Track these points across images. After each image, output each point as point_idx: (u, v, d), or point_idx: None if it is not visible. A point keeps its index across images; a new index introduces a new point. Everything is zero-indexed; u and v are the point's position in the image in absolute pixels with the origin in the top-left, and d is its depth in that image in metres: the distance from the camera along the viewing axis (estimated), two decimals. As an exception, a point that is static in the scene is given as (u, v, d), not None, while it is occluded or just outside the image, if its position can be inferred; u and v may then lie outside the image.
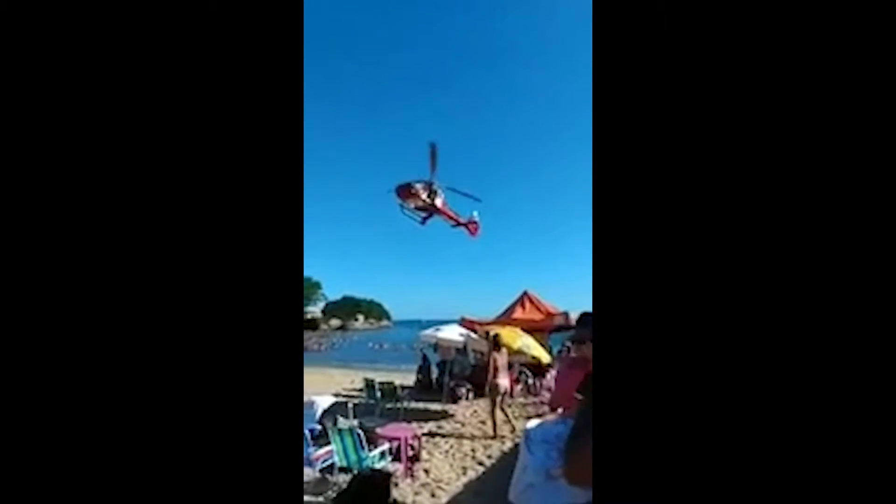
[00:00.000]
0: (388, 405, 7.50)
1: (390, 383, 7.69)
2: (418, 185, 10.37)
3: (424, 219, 11.22)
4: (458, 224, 11.92)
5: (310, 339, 39.76)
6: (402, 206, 10.66)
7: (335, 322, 61.71)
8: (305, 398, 6.01)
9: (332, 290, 63.48)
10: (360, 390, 8.66)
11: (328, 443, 4.40)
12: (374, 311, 72.63)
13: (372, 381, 7.91)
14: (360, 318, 68.06)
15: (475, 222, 12.33)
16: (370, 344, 33.05)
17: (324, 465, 4.34)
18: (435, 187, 10.70)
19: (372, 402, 7.67)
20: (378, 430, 4.87)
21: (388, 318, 74.39)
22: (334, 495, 3.87)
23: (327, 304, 63.87)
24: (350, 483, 1.67)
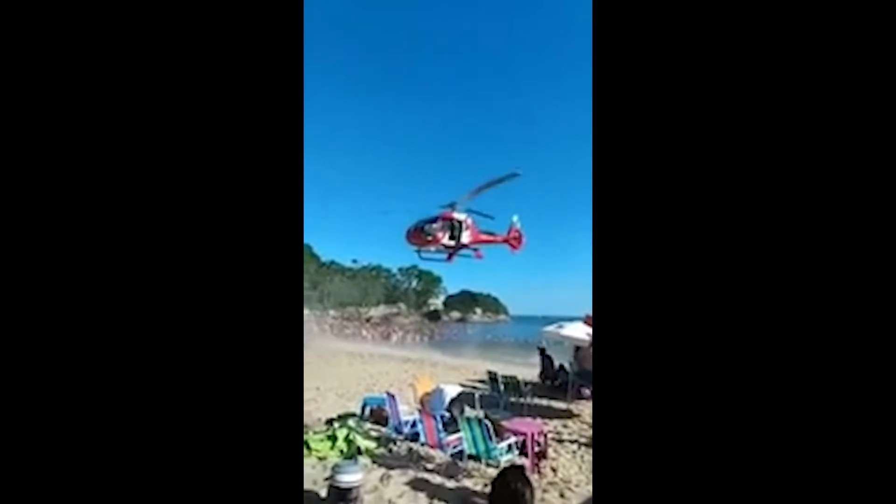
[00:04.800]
0: (512, 399, 7.55)
1: (513, 377, 7.72)
2: (435, 227, 7.88)
3: (451, 255, 8.62)
4: (495, 242, 9.25)
5: (433, 329, 42.10)
6: (418, 251, 8.30)
7: (455, 314, 64.24)
8: (434, 386, 6.41)
9: (452, 285, 66.07)
10: (483, 382, 8.88)
11: (457, 430, 4.61)
12: (490, 304, 73.57)
13: (495, 374, 8.04)
14: (479, 311, 69.60)
15: (517, 235, 9.19)
16: (488, 336, 33.59)
17: (454, 451, 4.57)
18: (458, 220, 8.06)
19: (495, 394, 7.80)
20: (504, 423, 4.93)
21: (506, 312, 74.62)
22: (464, 480, 4.06)
23: (447, 298, 66.72)
24: (499, 476, 1.74)
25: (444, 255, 8.62)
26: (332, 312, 42.18)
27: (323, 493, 3.52)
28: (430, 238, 7.85)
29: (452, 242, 8.01)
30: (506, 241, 9.25)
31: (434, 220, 7.90)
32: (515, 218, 9.31)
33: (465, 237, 8.21)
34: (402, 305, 56.50)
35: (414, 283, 61.46)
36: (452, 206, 8.04)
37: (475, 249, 8.61)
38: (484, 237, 8.89)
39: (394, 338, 31.79)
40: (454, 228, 7.98)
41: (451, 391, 5.89)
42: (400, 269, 61.68)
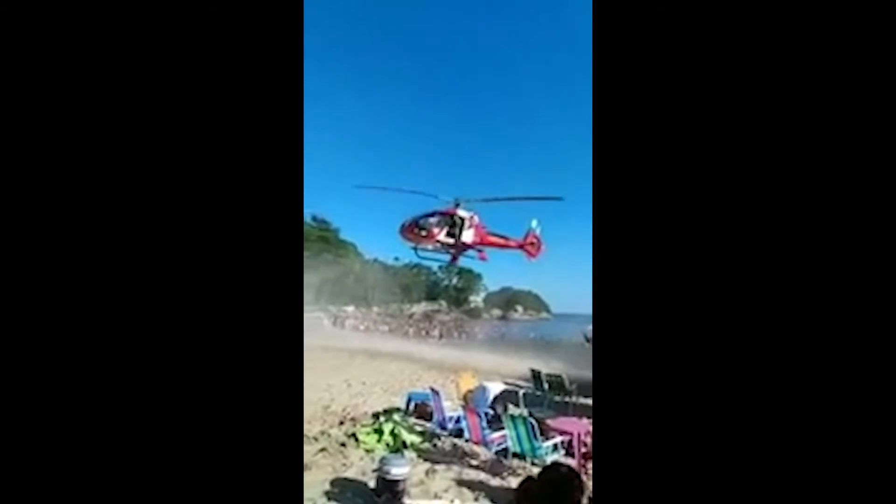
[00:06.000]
0: (556, 398, 7.41)
1: (558, 376, 7.58)
2: (431, 221, 7.09)
3: (454, 256, 7.79)
4: (509, 247, 8.29)
5: (472, 327, 42.14)
6: (415, 248, 7.47)
7: (496, 312, 63.83)
8: (477, 383, 6.41)
9: (492, 282, 65.62)
10: (526, 380, 8.78)
11: (501, 427, 4.61)
12: (532, 302, 72.45)
13: (538, 372, 7.93)
14: (520, 308, 68.76)
15: (535, 241, 8.22)
16: (531, 334, 33.12)
17: (498, 448, 4.57)
18: (461, 215, 7.20)
19: (539, 393, 7.69)
20: (549, 422, 4.87)
21: (548, 310, 73.20)
22: (509, 478, 4.04)
23: (488, 295, 66.42)
24: (541, 473, 1.71)
25: (447, 256, 7.86)
26: (375, 309, 43.20)
27: (371, 483, 3.64)
28: (424, 234, 7.03)
29: (451, 240, 7.22)
30: (521, 246, 8.26)
31: (431, 215, 7.14)
32: (534, 223, 8.22)
33: (468, 236, 7.37)
34: (443, 303, 56.88)
35: (454, 281, 61.69)
36: (457, 203, 7.28)
37: (479, 250, 7.83)
38: (494, 240, 8.02)
39: (434, 334, 32.12)
40: (454, 225, 7.12)
41: (495, 388, 5.88)
42: (440, 267, 62.10)
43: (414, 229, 7.09)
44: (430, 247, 7.43)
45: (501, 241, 8.16)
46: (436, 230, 7.07)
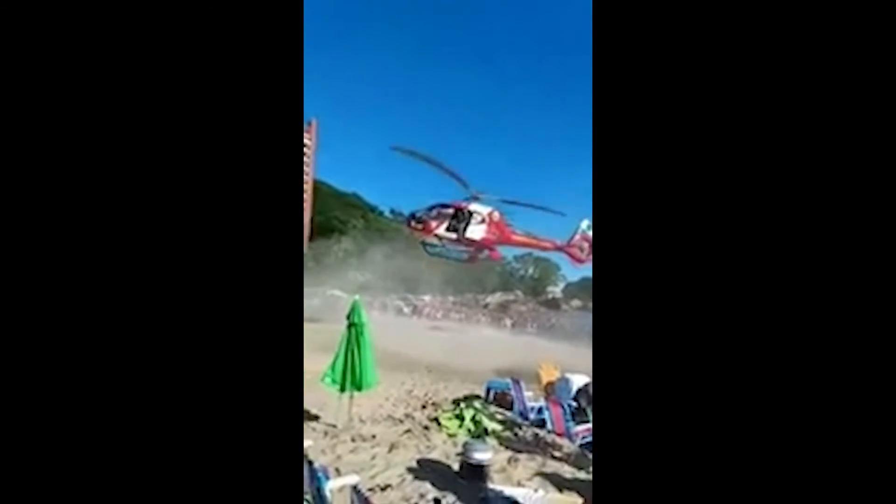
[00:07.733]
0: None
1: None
2: (430, 214, 6.52)
3: (472, 256, 7.05)
4: (543, 248, 7.44)
5: (550, 317, 41.11)
6: (423, 243, 6.97)
7: (576, 303, 61.45)
8: (560, 374, 6.24)
9: (572, 272, 63.20)
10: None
11: (585, 420, 4.45)
12: (615, 293, 68.46)
13: (624, 366, 7.49)
14: (601, 299, 65.58)
15: (583, 244, 7.10)
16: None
17: (583, 441, 4.42)
18: (470, 209, 6.50)
19: (625, 387, 7.28)
20: (639, 419, 4.59)
21: (633, 301, 68.72)
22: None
23: (567, 286, 64.29)
24: None
25: (461, 255, 7.20)
26: (451, 298, 43.99)
27: (455, 466, 3.73)
28: (420, 226, 6.62)
29: (452, 235, 6.60)
30: (561, 249, 7.29)
31: (431, 208, 6.63)
32: (585, 224, 7.21)
33: (476, 232, 6.66)
34: (519, 293, 56.14)
35: (530, 271, 60.51)
36: (477, 197, 6.64)
37: (491, 249, 7.14)
38: (520, 239, 7.25)
39: (507, 324, 31.91)
40: (457, 219, 6.53)
41: (578, 381, 5.68)
42: (515, 257, 61.26)
43: (412, 221, 6.80)
44: (434, 241, 6.91)
45: (532, 241, 7.48)
46: (433, 223, 6.61)
